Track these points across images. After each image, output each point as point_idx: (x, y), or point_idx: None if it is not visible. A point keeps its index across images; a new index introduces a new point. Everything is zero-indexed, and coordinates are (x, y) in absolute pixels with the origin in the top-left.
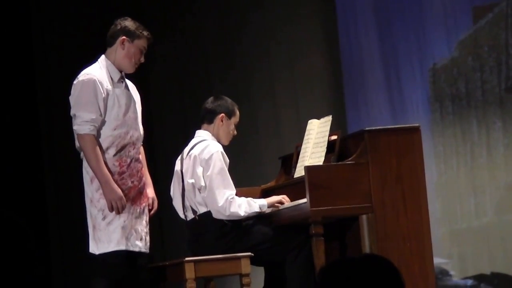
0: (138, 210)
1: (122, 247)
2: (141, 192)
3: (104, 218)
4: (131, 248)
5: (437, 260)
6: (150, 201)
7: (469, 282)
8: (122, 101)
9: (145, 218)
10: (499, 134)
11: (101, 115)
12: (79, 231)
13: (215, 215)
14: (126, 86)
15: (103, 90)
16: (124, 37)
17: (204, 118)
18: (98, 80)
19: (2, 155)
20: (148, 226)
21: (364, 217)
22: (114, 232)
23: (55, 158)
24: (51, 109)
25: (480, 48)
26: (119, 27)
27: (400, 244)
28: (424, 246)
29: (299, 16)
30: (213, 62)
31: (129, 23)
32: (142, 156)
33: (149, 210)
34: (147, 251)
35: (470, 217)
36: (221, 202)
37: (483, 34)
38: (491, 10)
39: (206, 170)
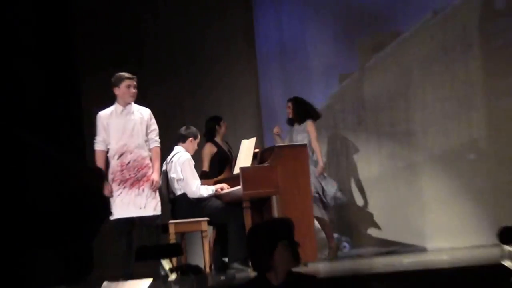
0: (137, 190)
1: (120, 215)
2: (139, 179)
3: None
4: (131, 215)
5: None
6: (153, 182)
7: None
8: (120, 126)
9: (146, 194)
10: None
11: (101, 136)
12: None
13: (190, 195)
14: (131, 114)
15: (105, 122)
16: (113, 87)
17: (180, 139)
18: (102, 115)
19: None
20: (151, 198)
21: (274, 197)
22: (116, 204)
23: None
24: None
25: (344, 101)
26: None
27: (294, 215)
28: (308, 216)
29: (227, 60)
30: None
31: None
32: (154, 156)
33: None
34: (150, 213)
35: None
36: (193, 188)
37: (348, 91)
38: (350, 76)
39: (182, 169)
